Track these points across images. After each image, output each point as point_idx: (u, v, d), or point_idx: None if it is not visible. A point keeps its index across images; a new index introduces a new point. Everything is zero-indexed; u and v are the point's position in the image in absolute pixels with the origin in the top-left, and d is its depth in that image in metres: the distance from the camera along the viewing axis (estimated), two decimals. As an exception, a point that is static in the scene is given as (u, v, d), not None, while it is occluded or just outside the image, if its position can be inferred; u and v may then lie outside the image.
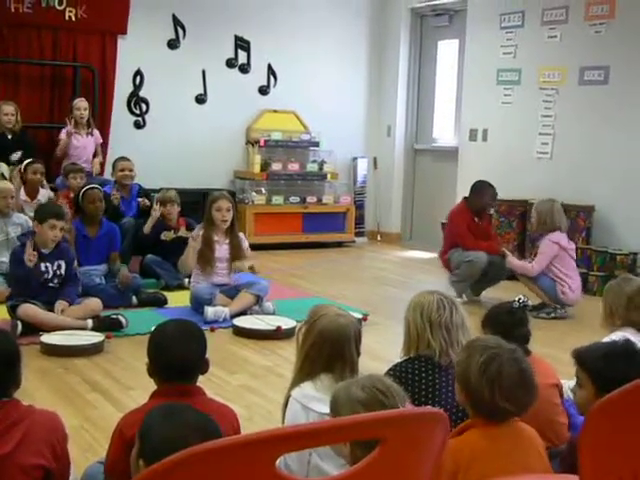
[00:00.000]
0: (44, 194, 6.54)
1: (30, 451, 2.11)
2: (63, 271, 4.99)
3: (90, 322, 4.83)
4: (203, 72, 8.64)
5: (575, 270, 5.87)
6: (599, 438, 1.42)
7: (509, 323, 2.86)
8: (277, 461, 1.18)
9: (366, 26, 9.49)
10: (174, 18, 8.43)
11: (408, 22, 9.31)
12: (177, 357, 2.34)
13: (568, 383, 2.98)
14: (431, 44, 9.27)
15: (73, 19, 7.80)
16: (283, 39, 8.91)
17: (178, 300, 5.69)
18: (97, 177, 7.33)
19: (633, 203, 6.85)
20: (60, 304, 4.83)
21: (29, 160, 6.58)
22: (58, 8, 7.73)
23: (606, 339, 3.12)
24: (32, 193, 6.48)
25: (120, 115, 8.22)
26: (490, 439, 2.12)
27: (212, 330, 4.97)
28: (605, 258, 6.72)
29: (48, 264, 4.93)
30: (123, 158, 6.94)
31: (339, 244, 8.97)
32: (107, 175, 7.51)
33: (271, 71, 8.99)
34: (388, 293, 6.54)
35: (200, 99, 8.68)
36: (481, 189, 6.25)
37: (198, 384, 2.40)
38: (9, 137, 7.10)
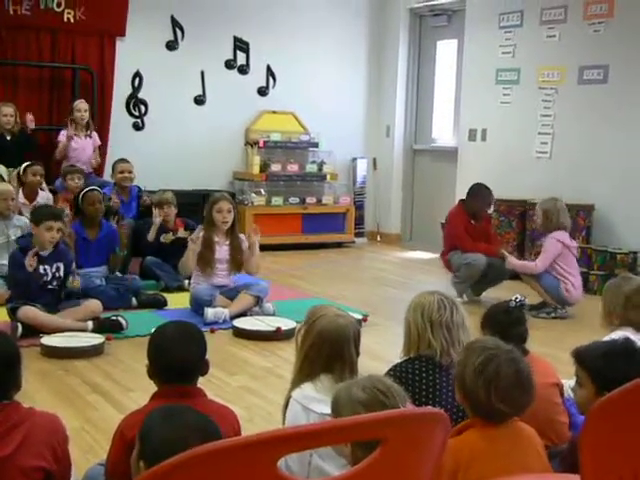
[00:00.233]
0: (43, 196, 6.53)
1: (31, 453, 2.11)
2: (62, 273, 4.99)
3: (90, 324, 4.83)
4: (202, 73, 8.64)
5: (577, 269, 5.88)
6: (600, 437, 1.42)
7: (506, 322, 2.86)
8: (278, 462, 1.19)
9: (365, 26, 9.49)
10: (173, 19, 8.43)
11: (407, 22, 9.32)
12: (177, 359, 2.34)
13: (569, 382, 2.98)
14: (430, 44, 9.28)
15: (72, 21, 7.81)
16: (282, 40, 8.91)
17: (178, 302, 5.69)
18: (96, 179, 7.33)
19: (633, 202, 6.85)
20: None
21: (28, 162, 6.59)
22: (56, 10, 7.73)
23: (606, 338, 3.11)
24: (31, 195, 6.48)
25: (119, 117, 8.22)
26: (489, 440, 2.12)
27: (212, 331, 4.97)
28: (605, 257, 6.72)
29: (47, 267, 4.91)
30: (122, 160, 6.94)
31: (339, 245, 8.97)
32: (107, 177, 7.51)
33: (270, 72, 8.99)
34: (388, 294, 6.54)
35: (199, 100, 8.68)
36: (477, 192, 6.26)
37: (198, 385, 2.40)
38: (8, 138, 7.10)
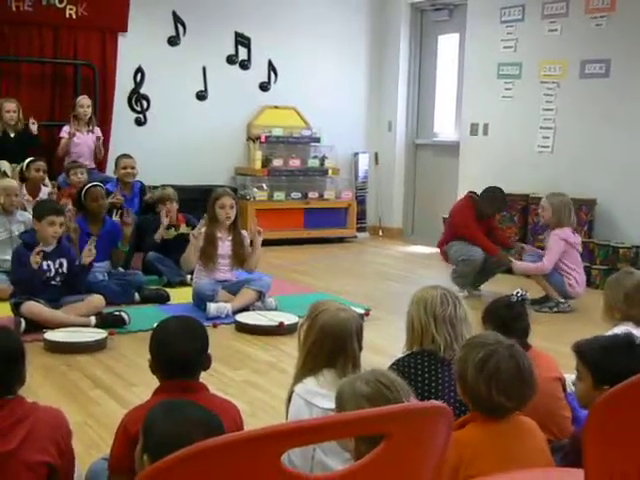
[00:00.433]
0: (46, 192, 6.53)
1: (35, 448, 2.12)
2: (65, 269, 4.99)
3: (93, 319, 4.84)
4: (203, 69, 8.63)
5: (580, 264, 5.89)
6: (604, 432, 1.42)
7: (508, 317, 2.86)
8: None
9: (366, 21, 9.48)
10: (174, 15, 8.42)
11: (408, 17, 9.30)
12: (179, 353, 2.34)
13: (571, 377, 2.99)
14: (431, 39, 9.26)
15: (74, 17, 7.80)
16: (283, 35, 8.90)
17: (180, 297, 5.70)
18: (99, 174, 7.34)
19: (635, 196, 6.84)
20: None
21: (31, 158, 6.59)
22: (59, 6, 7.73)
23: (609, 333, 3.12)
24: (34, 191, 6.48)
25: (121, 112, 8.22)
26: (491, 434, 2.13)
27: (215, 326, 4.98)
28: (608, 251, 6.71)
29: (50, 262, 4.92)
30: (125, 155, 6.94)
31: (341, 239, 8.97)
32: (109, 172, 7.51)
33: (271, 67, 8.99)
34: (390, 288, 6.54)
35: (201, 96, 8.68)
36: (493, 198, 6.21)
37: (201, 380, 2.41)
38: (12, 135, 7.11)
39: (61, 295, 4.95)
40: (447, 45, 9.07)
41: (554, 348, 3.56)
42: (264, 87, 8.99)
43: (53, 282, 4.94)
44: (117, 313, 4.94)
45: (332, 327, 2.47)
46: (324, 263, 7.67)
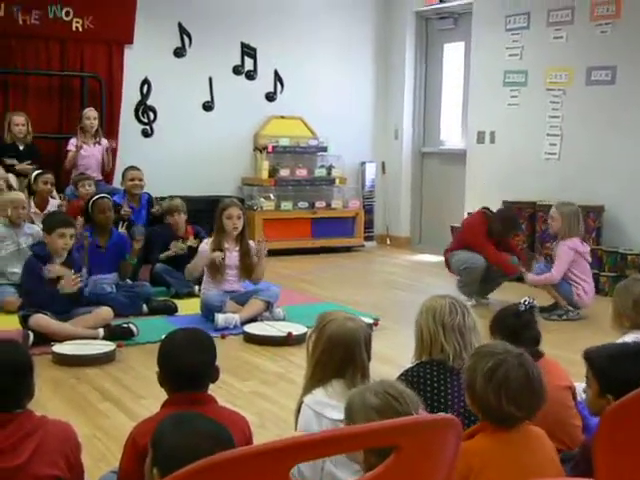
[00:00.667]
0: (54, 204, 6.55)
1: (44, 462, 2.12)
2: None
3: (101, 331, 4.84)
4: (210, 79, 8.66)
5: (589, 273, 5.87)
6: (614, 441, 1.42)
7: (517, 326, 2.85)
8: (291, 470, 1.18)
9: (372, 30, 9.50)
10: (180, 26, 8.46)
11: (413, 25, 9.31)
12: (187, 365, 2.34)
13: (582, 385, 2.97)
14: (437, 47, 9.27)
15: (80, 30, 7.85)
16: (289, 45, 8.93)
17: (189, 308, 5.70)
18: (106, 186, 7.36)
19: (643, 203, 6.83)
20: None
21: (39, 171, 6.61)
22: (65, 19, 7.77)
23: (619, 341, 3.10)
24: (42, 204, 6.49)
25: (128, 124, 8.25)
26: (500, 444, 2.12)
27: (223, 337, 4.98)
28: (616, 258, 6.69)
29: (60, 274, 4.94)
30: (133, 167, 6.95)
31: (348, 249, 8.96)
32: (116, 184, 7.53)
33: (278, 77, 9.01)
34: (398, 297, 6.53)
35: (207, 106, 8.70)
36: (507, 223, 6.16)
37: (209, 392, 2.40)
38: (20, 148, 7.14)
39: (70, 307, 4.95)
40: (453, 53, 9.08)
41: (564, 356, 3.54)
42: (270, 97, 9.01)
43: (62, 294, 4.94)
44: (125, 325, 4.94)
45: (340, 337, 2.46)
46: (332, 273, 7.66)
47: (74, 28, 7.82)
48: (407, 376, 2.63)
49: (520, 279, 6.10)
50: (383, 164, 9.64)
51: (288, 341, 4.89)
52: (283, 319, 5.38)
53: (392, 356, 4.19)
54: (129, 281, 5.95)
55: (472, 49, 8.46)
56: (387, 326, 5.32)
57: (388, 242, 9.55)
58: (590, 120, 7.25)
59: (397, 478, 1.26)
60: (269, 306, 5.42)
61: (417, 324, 2.74)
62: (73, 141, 7.39)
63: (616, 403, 1.47)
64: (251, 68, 8.89)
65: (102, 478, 2.53)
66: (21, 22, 7.59)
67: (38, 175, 6.54)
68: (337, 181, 9.02)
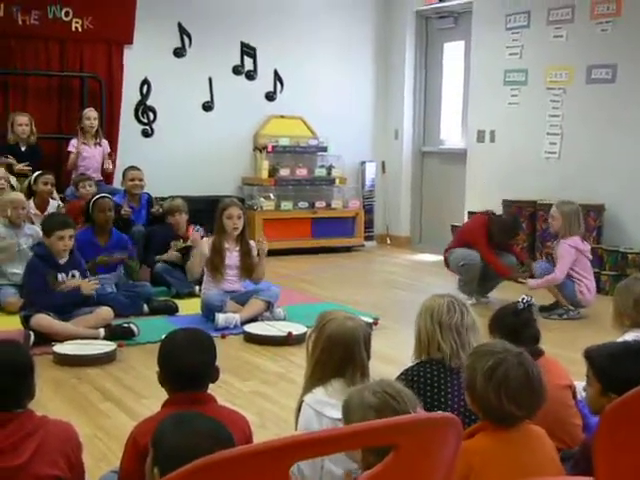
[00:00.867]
0: (54, 205, 6.55)
1: (45, 461, 2.12)
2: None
3: (102, 331, 4.84)
4: (210, 79, 8.66)
5: (590, 271, 5.87)
6: (614, 440, 1.42)
7: (516, 324, 2.85)
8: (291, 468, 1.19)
9: (371, 30, 9.49)
10: (180, 26, 8.46)
11: (413, 25, 9.31)
12: (187, 365, 2.35)
13: (582, 384, 2.97)
14: (437, 46, 9.27)
15: (79, 30, 7.85)
16: (289, 45, 8.93)
17: (189, 308, 5.70)
18: (106, 186, 7.35)
19: (643, 202, 6.83)
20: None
21: (39, 171, 6.61)
22: (65, 19, 7.77)
23: (619, 340, 3.10)
24: (42, 205, 6.48)
25: (128, 124, 8.25)
26: (500, 443, 2.12)
27: (223, 337, 4.98)
28: (617, 257, 6.68)
29: (63, 274, 4.95)
30: (133, 167, 6.95)
31: (348, 249, 8.96)
32: (117, 184, 7.53)
33: (277, 77, 9.01)
34: (398, 297, 6.53)
35: (207, 106, 8.70)
36: (508, 230, 6.18)
37: (209, 392, 2.41)
38: (22, 149, 7.13)
39: (71, 307, 4.95)
40: (453, 52, 9.07)
41: (565, 355, 3.54)
42: (270, 97, 9.01)
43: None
44: (126, 325, 4.95)
45: (340, 336, 2.47)
46: (332, 272, 7.66)
47: (74, 28, 7.82)
48: (407, 375, 2.63)
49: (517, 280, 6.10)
50: (383, 164, 9.63)
51: (288, 341, 4.89)
52: (283, 319, 5.38)
53: (392, 355, 4.19)
54: (130, 281, 5.95)
55: (472, 48, 8.46)
56: (387, 325, 5.33)
57: (388, 242, 9.55)
58: (590, 119, 7.25)
59: (396, 477, 1.26)
60: (269, 306, 5.42)
61: (416, 324, 2.74)
62: (74, 142, 7.39)
63: (616, 402, 1.47)
64: (251, 68, 8.89)
65: (103, 478, 2.53)
66: (21, 22, 7.60)
67: (38, 176, 6.54)
68: (337, 181, 9.02)
